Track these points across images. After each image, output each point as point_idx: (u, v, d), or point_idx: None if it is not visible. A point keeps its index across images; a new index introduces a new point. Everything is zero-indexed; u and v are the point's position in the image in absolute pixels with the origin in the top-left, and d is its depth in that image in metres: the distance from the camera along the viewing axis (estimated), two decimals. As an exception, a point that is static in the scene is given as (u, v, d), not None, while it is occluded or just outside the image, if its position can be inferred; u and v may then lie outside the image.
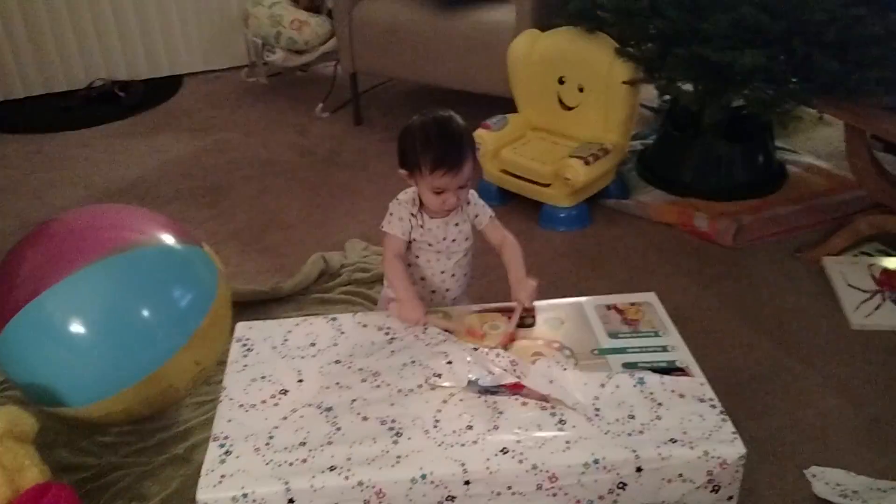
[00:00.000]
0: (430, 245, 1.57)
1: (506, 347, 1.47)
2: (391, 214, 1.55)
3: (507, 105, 2.61)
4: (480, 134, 2.45)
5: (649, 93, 2.78)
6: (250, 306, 1.97)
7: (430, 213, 1.55)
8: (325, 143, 2.95)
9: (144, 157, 2.92)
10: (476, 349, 1.46)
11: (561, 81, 2.47)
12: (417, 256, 1.59)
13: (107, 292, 1.47)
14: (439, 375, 1.41)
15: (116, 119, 3.22)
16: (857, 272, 2.08)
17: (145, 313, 1.48)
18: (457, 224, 1.57)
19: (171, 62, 3.57)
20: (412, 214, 1.54)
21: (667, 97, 2.60)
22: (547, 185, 2.37)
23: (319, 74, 3.49)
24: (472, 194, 1.58)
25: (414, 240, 1.56)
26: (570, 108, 2.49)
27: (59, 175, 2.81)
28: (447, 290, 1.62)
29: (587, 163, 2.28)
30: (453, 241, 1.57)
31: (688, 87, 2.31)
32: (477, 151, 2.46)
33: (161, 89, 3.48)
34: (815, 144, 2.80)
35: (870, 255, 2.17)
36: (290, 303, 2.03)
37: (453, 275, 1.60)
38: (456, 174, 1.46)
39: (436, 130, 1.48)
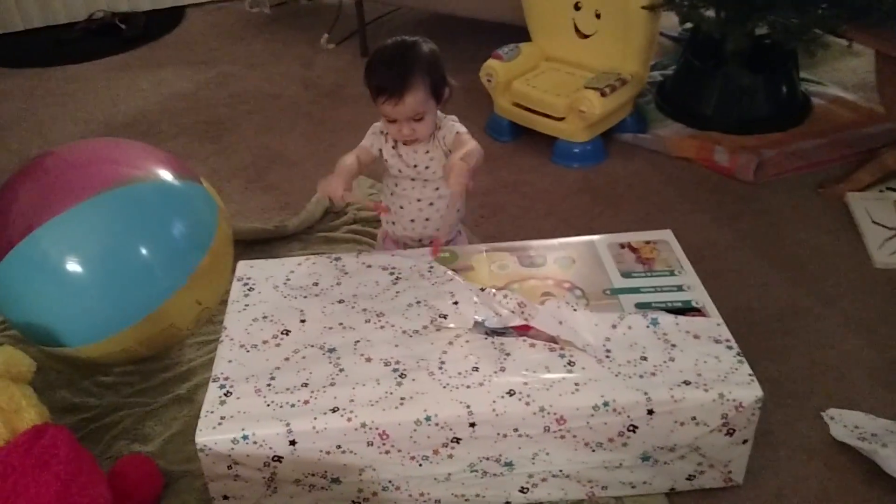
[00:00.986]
0: (400, 171, 1.52)
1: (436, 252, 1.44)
2: (371, 129, 1.54)
3: (520, 34, 2.51)
4: (491, 64, 2.36)
5: (669, 21, 2.66)
6: (253, 245, 1.93)
7: None
8: (331, 75, 2.86)
9: (146, 91, 2.85)
10: (483, 290, 1.41)
11: (577, 7, 2.36)
12: (396, 185, 1.54)
13: (103, 229, 1.42)
14: (445, 316, 1.37)
15: (117, 52, 3.13)
16: (882, 208, 2.00)
17: (143, 251, 1.44)
18: (427, 152, 1.50)
19: (173, -8, 3.46)
20: (382, 132, 1.51)
21: (688, 25, 2.48)
22: (561, 119, 2.28)
23: (324, 3, 3.37)
24: (445, 118, 1.51)
25: (387, 162, 1.53)
26: (586, 36, 2.38)
27: (59, 110, 2.74)
28: (426, 219, 1.55)
29: (603, 94, 2.19)
30: (426, 168, 1.51)
31: (710, 13, 2.20)
32: (488, 83, 2.38)
33: (163, 21, 3.37)
34: (842, 75, 2.68)
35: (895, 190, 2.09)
36: (294, 241, 1.98)
37: (431, 203, 1.54)
38: (397, 103, 1.40)
39: (386, 55, 1.43)
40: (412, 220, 1.56)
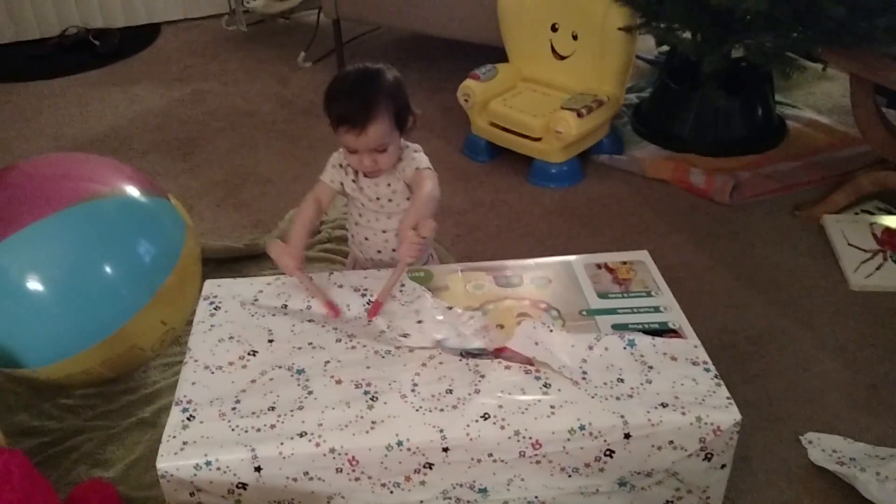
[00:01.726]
0: (363, 204, 1.48)
1: (377, 313, 1.37)
2: (330, 161, 1.49)
3: (498, 55, 2.51)
4: (468, 84, 2.35)
5: (645, 45, 2.67)
6: (224, 264, 1.89)
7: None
8: (307, 93, 2.83)
9: (119, 107, 2.80)
10: (450, 308, 1.38)
11: (554, 28, 2.36)
12: (360, 215, 1.50)
13: (65, 246, 1.38)
14: (406, 335, 1.33)
15: (90, 68, 3.10)
16: (857, 231, 2.00)
17: (107, 268, 1.39)
18: (389, 184, 1.45)
19: (149, 9, 3.43)
20: (341, 165, 1.46)
21: (664, 47, 2.50)
22: (537, 140, 2.27)
23: (302, 22, 3.36)
24: (407, 148, 1.46)
25: (349, 196, 1.48)
26: (563, 58, 2.38)
27: (29, 126, 2.69)
28: (393, 249, 1.51)
29: (580, 115, 2.18)
30: (389, 200, 1.46)
31: (686, 35, 2.21)
32: (465, 103, 2.37)
33: (137, 38, 3.35)
34: (816, 99, 2.71)
35: (871, 213, 2.09)
36: (266, 260, 1.93)
37: (397, 234, 1.48)
38: (359, 133, 1.34)
39: (348, 84, 1.37)
40: (378, 252, 1.52)
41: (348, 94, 1.35)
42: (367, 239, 1.52)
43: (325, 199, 1.50)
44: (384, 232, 1.50)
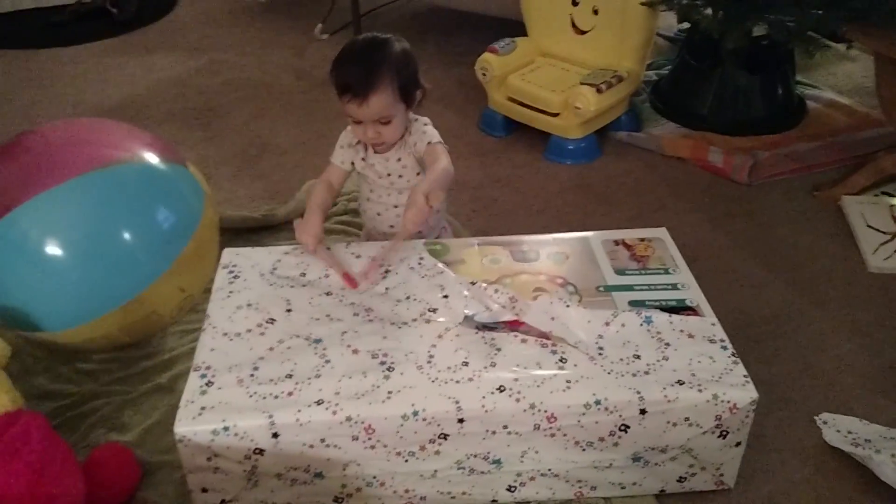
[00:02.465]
0: (374, 180, 1.48)
1: (369, 273, 1.38)
2: (338, 142, 1.48)
3: (517, 29, 2.48)
4: (486, 58, 2.33)
5: (666, 22, 2.64)
6: (241, 234, 1.89)
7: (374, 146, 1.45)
8: (324, 65, 2.76)
9: (136, 76, 2.80)
10: (474, 283, 1.38)
11: (574, 3, 2.33)
12: (371, 191, 1.50)
13: (85, 211, 1.38)
14: (434, 310, 1.33)
15: (108, 36, 3.09)
16: (877, 212, 1.98)
17: (126, 235, 1.39)
18: (399, 159, 1.45)
19: (166, -22, 3.41)
20: (351, 144, 1.46)
21: (685, 24, 2.46)
22: (555, 115, 2.25)
23: (320, -7, 3.33)
24: (416, 122, 1.46)
25: (360, 174, 1.48)
26: (583, 33, 2.36)
27: (47, 93, 2.69)
28: None
29: (599, 91, 2.16)
30: (399, 176, 1.46)
31: (708, 12, 2.17)
32: (483, 77, 2.35)
33: (155, 6, 3.33)
34: (837, 80, 2.67)
35: (891, 195, 2.07)
36: (283, 231, 1.94)
37: (408, 200, 1.49)
38: (361, 103, 1.34)
39: (355, 52, 1.37)
40: (391, 226, 1.52)
41: (353, 63, 1.35)
42: (378, 214, 1.52)
43: (336, 181, 1.51)
44: (395, 207, 1.50)
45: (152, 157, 1.48)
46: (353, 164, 1.48)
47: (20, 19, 3.24)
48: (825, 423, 1.44)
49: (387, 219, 1.52)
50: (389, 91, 1.35)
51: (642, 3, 2.18)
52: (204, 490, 1.21)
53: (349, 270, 1.41)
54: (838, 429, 1.41)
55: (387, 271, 1.42)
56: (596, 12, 2.30)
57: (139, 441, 1.39)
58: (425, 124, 1.46)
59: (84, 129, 1.56)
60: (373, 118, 1.36)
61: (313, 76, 2.76)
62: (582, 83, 2.19)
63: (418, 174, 1.47)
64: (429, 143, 1.42)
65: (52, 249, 1.35)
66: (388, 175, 1.46)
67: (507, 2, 2.48)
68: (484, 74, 2.35)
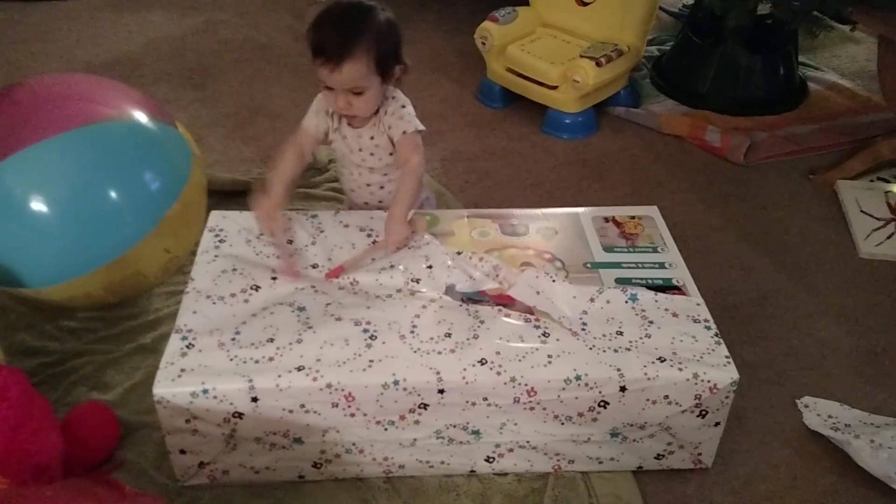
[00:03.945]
0: (344, 155, 1.44)
1: (336, 276, 1.33)
2: (312, 106, 1.42)
3: (519, -1, 2.45)
4: (486, 26, 2.30)
5: (670, -4, 2.61)
6: (231, 196, 1.87)
7: (350, 120, 1.39)
8: (323, 29, 2.78)
9: (132, 33, 2.76)
10: (460, 253, 1.37)
11: (577, -26, 2.30)
12: (343, 167, 1.47)
13: (70, 167, 1.37)
14: (417, 280, 1.33)
15: (104, -9, 3.04)
16: (871, 198, 1.97)
17: (111, 193, 1.38)
18: (372, 137, 1.40)
19: (165, -67, 3.34)
20: (327, 112, 1.40)
21: (689, 0, 2.43)
22: (554, 88, 2.23)
23: (321, -45, 3.28)
24: (394, 102, 1.39)
25: (332, 143, 1.43)
26: (585, 4, 2.32)
27: (41, 47, 2.65)
28: (380, 200, 1.48)
29: (599, 64, 2.14)
30: (371, 154, 1.41)
31: (713, -12, 2.14)
32: (482, 46, 2.32)
33: (153, -38, 3.27)
34: (841, 62, 2.64)
35: (887, 181, 2.06)
36: (273, 195, 1.92)
37: (382, 187, 1.47)
38: (333, 69, 1.26)
39: (334, 15, 1.29)
40: (366, 203, 1.51)
41: (331, 26, 1.28)
42: (352, 190, 1.51)
43: (307, 146, 1.45)
44: (368, 185, 1.48)
45: (141, 116, 1.46)
46: (325, 134, 1.43)
47: (15, -29, 3.18)
48: (806, 406, 1.44)
49: (361, 195, 1.49)
50: (364, 61, 1.28)
51: (646, -23, 2.15)
52: (182, 452, 1.21)
53: (296, 265, 1.35)
54: (819, 413, 1.42)
55: (374, 240, 1.41)
56: (599, -16, 2.27)
57: (120, 401, 1.39)
58: (403, 106, 1.39)
59: (73, 84, 1.53)
60: (344, 86, 1.30)
61: (311, 39, 2.73)
62: (582, 56, 2.17)
63: (390, 154, 1.42)
64: (403, 132, 1.37)
65: (37, 205, 1.34)
66: (360, 151, 1.42)
67: (509, -30, 2.44)
68: (483, 44, 2.32)
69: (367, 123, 1.40)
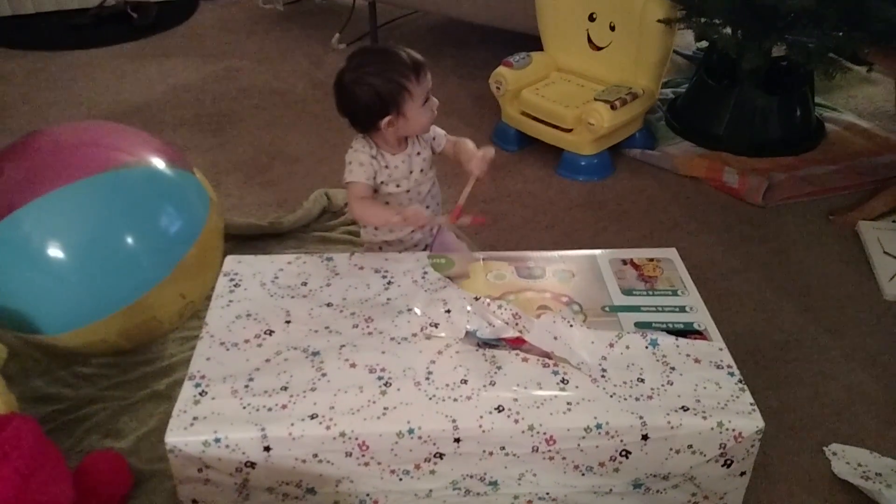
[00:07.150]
0: (398, 186, 1.47)
1: (457, 221, 1.43)
2: (350, 164, 1.45)
3: (533, 44, 2.46)
4: (501, 71, 2.31)
5: (684, 40, 2.62)
6: (248, 241, 1.88)
7: (388, 150, 1.45)
8: (340, 75, 2.81)
9: (152, 81, 2.81)
10: (477, 298, 1.35)
11: (591, 18, 2.32)
12: (388, 203, 1.48)
13: (88, 214, 1.38)
14: (436, 325, 1.31)
15: (127, 40, 3.11)
16: (894, 239, 1.94)
17: (128, 239, 1.39)
18: (419, 153, 1.48)
19: (186, -16, 3.43)
20: (373, 157, 1.44)
21: (703, 43, 2.44)
22: (569, 131, 2.23)
23: (338, 3, 3.34)
24: None
25: (382, 184, 1.46)
26: (599, 48, 2.34)
27: (63, 95, 2.71)
28: (437, 203, 1.57)
29: (613, 107, 2.14)
30: (421, 171, 1.49)
31: (727, 31, 2.15)
32: (497, 90, 2.33)
33: (174, 12, 3.35)
34: (858, 102, 2.63)
35: (910, 222, 2.03)
36: (289, 239, 1.93)
37: (427, 206, 1.51)
38: (426, 73, 1.40)
39: (386, 50, 1.42)
40: (412, 231, 1.52)
41: (397, 51, 1.39)
42: (421, 204, 1.51)
43: (368, 197, 1.46)
44: (429, 191, 1.52)
45: (159, 162, 1.47)
46: (374, 177, 1.45)
47: (42, 21, 3.27)
48: (834, 454, 1.40)
49: (427, 204, 1.52)
50: None
51: (659, 21, 2.16)
52: (194, 502, 1.19)
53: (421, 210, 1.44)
54: (848, 461, 1.37)
55: (390, 283, 1.40)
56: (613, 28, 2.28)
57: (133, 448, 1.37)
58: None
59: (92, 131, 1.56)
60: (428, 87, 1.42)
61: (328, 86, 2.71)
62: (596, 99, 2.17)
63: (431, 167, 1.52)
64: (444, 134, 1.53)
65: (54, 251, 1.35)
66: (411, 173, 1.47)
67: (523, 16, 2.47)
68: (498, 88, 2.33)
69: (403, 150, 1.47)
